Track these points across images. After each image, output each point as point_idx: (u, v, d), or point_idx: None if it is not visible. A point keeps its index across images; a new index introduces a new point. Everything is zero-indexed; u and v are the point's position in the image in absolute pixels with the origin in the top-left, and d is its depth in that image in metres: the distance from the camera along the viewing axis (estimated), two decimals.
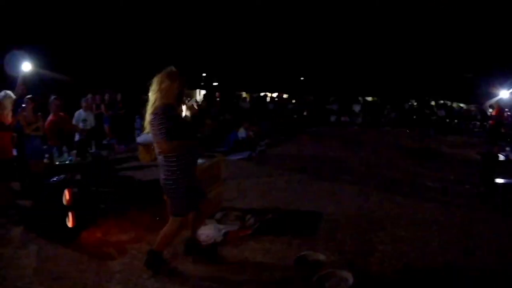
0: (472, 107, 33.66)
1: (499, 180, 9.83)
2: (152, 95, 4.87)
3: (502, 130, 17.14)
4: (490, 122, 17.35)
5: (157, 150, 4.96)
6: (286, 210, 7.95)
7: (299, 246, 5.99)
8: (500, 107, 16.64)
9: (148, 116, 4.86)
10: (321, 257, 5.25)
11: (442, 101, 37.81)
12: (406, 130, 24.37)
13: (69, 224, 6.20)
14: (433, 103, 34.66)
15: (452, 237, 6.84)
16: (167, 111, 4.70)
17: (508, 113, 27.59)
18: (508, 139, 15.75)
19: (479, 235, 6.97)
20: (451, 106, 37.01)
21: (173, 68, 4.94)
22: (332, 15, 38.04)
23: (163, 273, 5.07)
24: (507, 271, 5.53)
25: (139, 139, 12.51)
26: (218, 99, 21.51)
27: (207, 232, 6.26)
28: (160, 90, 4.79)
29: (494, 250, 6.28)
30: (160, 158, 4.92)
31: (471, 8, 34.16)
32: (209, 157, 7.48)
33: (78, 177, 7.81)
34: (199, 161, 6.83)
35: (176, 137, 4.71)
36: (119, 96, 17.83)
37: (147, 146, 12.44)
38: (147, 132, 5.04)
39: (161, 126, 4.63)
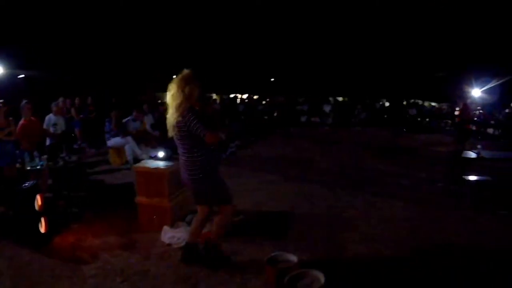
0: (444, 106, 34.07)
1: (471, 178, 10.04)
2: (174, 99, 5.07)
3: (470, 128, 17.46)
4: (457, 119, 17.62)
5: (181, 151, 5.24)
6: (258, 211, 8.02)
7: (270, 247, 6.02)
8: (465, 105, 16.90)
9: (172, 119, 5.06)
10: (293, 257, 5.27)
11: (413, 100, 38.15)
12: (377, 130, 24.57)
13: (42, 229, 6.19)
14: (404, 102, 34.96)
15: (424, 234, 6.98)
16: (194, 112, 4.97)
17: (480, 111, 28.19)
18: (479, 137, 16.01)
19: (450, 232, 7.13)
20: (422, 105, 37.39)
21: (192, 72, 5.20)
22: (300, 16, 38.13)
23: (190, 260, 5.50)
24: (479, 266, 5.68)
25: (110, 142, 12.61)
26: None
27: (179, 234, 6.27)
28: (183, 94, 4.99)
29: (466, 246, 6.47)
30: (186, 159, 5.19)
31: (442, 7, 34.49)
32: (178, 159, 7.49)
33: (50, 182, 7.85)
34: (167, 163, 6.92)
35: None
36: (89, 100, 17.73)
37: (118, 149, 12.56)
38: (173, 135, 5.21)
39: (198, 125, 4.89)
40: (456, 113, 19.46)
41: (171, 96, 5.11)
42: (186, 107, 4.97)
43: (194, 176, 5.21)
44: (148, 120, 14.84)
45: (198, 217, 5.63)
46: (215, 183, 5.34)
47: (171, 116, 5.08)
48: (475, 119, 27.27)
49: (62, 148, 9.44)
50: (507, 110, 25.92)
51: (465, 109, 16.82)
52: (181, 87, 5.04)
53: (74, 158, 10.07)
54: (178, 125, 5.02)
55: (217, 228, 5.46)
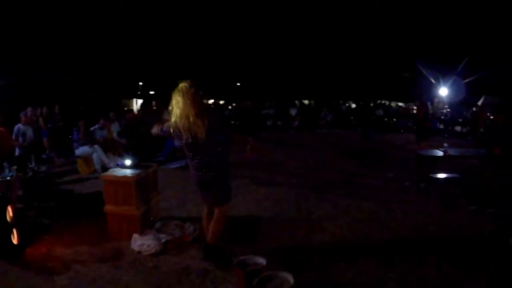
0: (411, 105, 34.40)
1: (439, 175, 10.31)
2: (193, 108, 5.38)
3: (428, 125, 17.81)
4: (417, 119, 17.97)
5: (207, 153, 5.63)
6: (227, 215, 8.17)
7: (239, 251, 6.16)
8: (422, 104, 17.29)
9: (196, 126, 5.38)
10: (261, 260, 5.40)
11: (379, 101, 38.43)
12: (344, 131, 24.76)
13: (14, 241, 6.23)
14: (371, 103, 35.28)
15: (393, 233, 7.17)
16: (218, 115, 5.64)
17: (448, 110, 28.65)
18: (445, 135, 16.29)
19: (420, 229, 7.36)
20: (389, 105, 37.65)
21: (195, 83, 5.59)
22: (264, 19, 38.27)
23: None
24: (450, 264, 5.84)
25: (78, 151, 12.63)
26: (155, 108, 21.34)
27: (148, 242, 6.33)
28: (195, 102, 5.41)
29: (434, 242, 6.73)
30: (210, 158, 5.63)
31: (407, 8, 34.88)
32: (146, 167, 7.54)
33: (20, 193, 7.88)
34: (135, 171, 7.03)
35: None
36: (56, 108, 17.61)
37: (86, 158, 12.60)
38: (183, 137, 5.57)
39: (225, 127, 5.92)
40: (414, 111, 19.83)
41: (188, 105, 5.39)
42: (205, 113, 5.43)
43: (220, 173, 5.77)
44: (115, 127, 14.78)
45: (215, 217, 5.95)
46: (227, 182, 6.04)
47: (194, 124, 5.37)
48: (442, 117, 27.77)
49: (31, 158, 9.46)
50: (474, 109, 26.37)
51: (422, 107, 17.21)
52: (190, 97, 5.42)
53: (43, 168, 10.09)
54: (210, 128, 5.40)
55: (213, 230, 5.92)
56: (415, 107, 26.04)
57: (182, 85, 5.53)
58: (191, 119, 5.37)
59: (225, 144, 5.81)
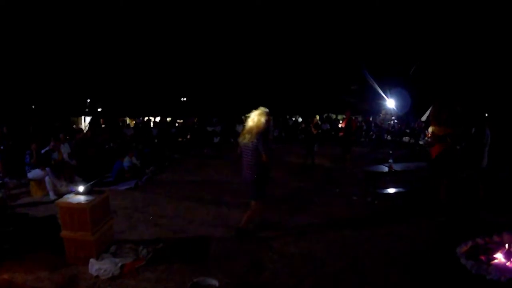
0: (359, 118, 34.95)
1: (385, 190, 10.82)
2: (251, 126, 7.99)
3: (353, 138, 18.38)
4: (340, 133, 18.40)
5: (249, 156, 7.98)
6: (178, 238, 8.39)
7: (192, 272, 6.40)
8: (348, 117, 17.79)
9: (249, 137, 7.95)
10: (214, 281, 5.72)
11: (326, 115, 38.85)
12: (291, 146, 24.97)
13: None
14: (317, 117, 35.69)
15: (341, 248, 7.56)
16: (265, 138, 7.83)
17: (395, 121, 29.30)
18: (390, 151, 16.69)
19: (366, 243, 7.78)
20: (336, 119, 38.14)
21: (266, 109, 8.05)
22: (210, 35, 38.50)
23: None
24: (399, 275, 6.32)
25: (30, 174, 12.67)
26: (103, 125, 21.38)
27: (105, 266, 6.51)
28: (259, 123, 7.89)
29: (381, 259, 7.06)
30: (251, 162, 7.97)
31: (353, 22, 35.53)
32: (99, 193, 7.70)
33: None
34: (89, 197, 7.27)
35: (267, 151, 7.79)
36: (4, 129, 17.53)
37: (39, 181, 12.67)
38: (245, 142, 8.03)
39: (264, 146, 7.74)
40: (340, 125, 20.30)
41: (250, 121, 8.05)
42: (258, 132, 7.79)
43: (257, 173, 7.95)
44: (65, 149, 14.85)
45: (251, 209, 8.30)
46: (263, 180, 8.15)
47: (252, 136, 7.87)
48: (390, 129, 28.48)
49: None
50: (423, 119, 26.93)
51: (347, 120, 17.72)
52: (258, 118, 7.94)
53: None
54: (253, 143, 7.83)
55: (247, 217, 8.30)
56: (341, 121, 26.53)
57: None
58: (254, 131, 7.88)
59: (266, 157, 7.82)
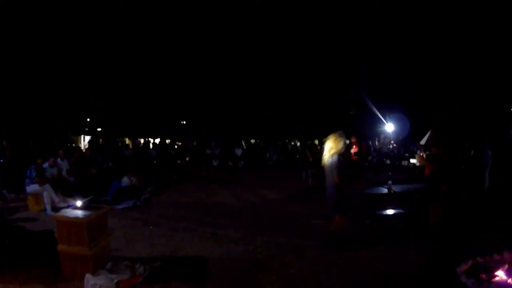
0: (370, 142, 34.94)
1: (384, 212, 10.75)
2: (329, 148, 8.61)
3: (366, 164, 18.32)
4: (353, 158, 18.27)
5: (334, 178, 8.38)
6: (174, 257, 8.28)
7: None
8: (356, 142, 17.67)
9: (328, 157, 8.58)
10: None
11: (325, 139, 38.72)
12: (289, 171, 24.85)
13: None
14: (316, 141, 35.61)
15: (340, 272, 7.41)
16: (340, 160, 8.38)
17: (394, 145, 29.25)
18: (390, 173, 16.62)
19: (366, 266, 7.65)
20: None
21: (342, 132, 8.67)
22: (206, 55, 38.50)
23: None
24: None
25: (29, 189, 12.62)
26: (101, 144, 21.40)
27: (101, 282, 6.45)
28: (336, 145, 8.52)
29: (381, 280, 7.02)
30: (332, 182, 8.44)
31: (352, 43, 35.52)
32: (97, 208, 7.67)
33: None
34: (86, 212, 7.19)
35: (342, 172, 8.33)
36: (4, 143, 17.54)
37: (36, 196, 12.61)
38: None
39: (339, 167, 8.30)
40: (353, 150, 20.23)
41: (328, 144, 8.67)
42: (335, 154, 8.43)
43: (336, 193, 8.38)
44: (64, 166, 14.84)
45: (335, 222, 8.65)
46: (343, 199, 8.52)
47: (329, 157, 8.53)
48: (390, 153, 28.45)
49: None
50: (422, 142, 26.86)
51: (359, 144, 17.63)
52: (336, 140, 8.56)
53: None
54: (331, 163, 8.46)
55: (335, 227, 8.68)
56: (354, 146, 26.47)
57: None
58: (332, 151, 8.53)
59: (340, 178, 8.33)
